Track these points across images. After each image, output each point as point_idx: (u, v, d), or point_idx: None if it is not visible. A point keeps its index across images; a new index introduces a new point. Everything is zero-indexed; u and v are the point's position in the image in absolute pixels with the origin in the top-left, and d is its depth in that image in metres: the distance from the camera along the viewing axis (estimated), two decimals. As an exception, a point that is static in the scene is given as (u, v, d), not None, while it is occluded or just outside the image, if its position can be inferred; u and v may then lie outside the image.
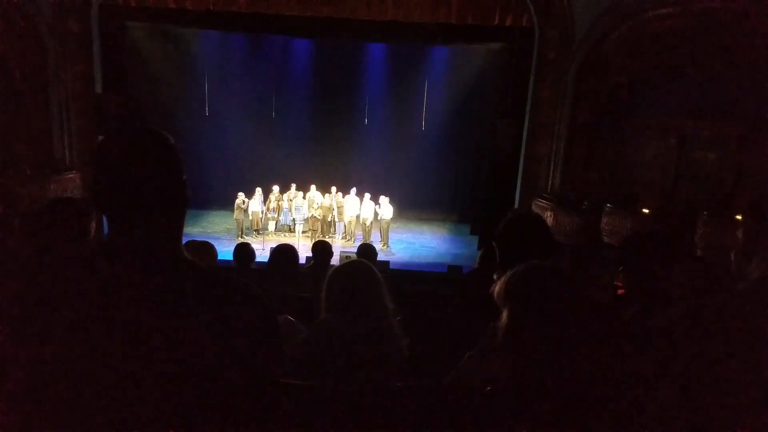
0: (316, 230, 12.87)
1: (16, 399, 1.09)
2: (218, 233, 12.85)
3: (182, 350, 1.11)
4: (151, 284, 1.15)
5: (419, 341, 2.42)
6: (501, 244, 2.41)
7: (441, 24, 10.94)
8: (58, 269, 1.20)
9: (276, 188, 13.20)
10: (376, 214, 12.85)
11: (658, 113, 10.22)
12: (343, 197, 13.19)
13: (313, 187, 13.37)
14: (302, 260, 6.04)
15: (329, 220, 13.18)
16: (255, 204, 12.88)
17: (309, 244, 10.75)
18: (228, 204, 13.67)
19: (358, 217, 13.03)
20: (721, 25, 8.92)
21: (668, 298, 2.13)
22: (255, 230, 13.00)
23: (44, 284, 1.16)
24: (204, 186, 13.16)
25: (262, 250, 10.56)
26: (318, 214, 12.82)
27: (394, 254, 12.00)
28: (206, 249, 4.09)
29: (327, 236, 12.49)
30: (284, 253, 4.55)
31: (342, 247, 11.65)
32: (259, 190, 13.05)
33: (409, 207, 15.34)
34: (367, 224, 12.89)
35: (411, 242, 13.59)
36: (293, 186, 13.39)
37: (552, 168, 11.20)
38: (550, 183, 11.25)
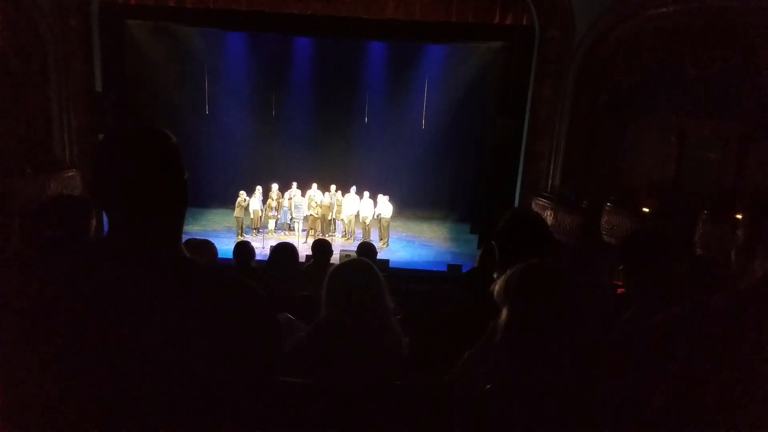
0: (314, 229, 12.87)
1: (16, 398, 1.09)
2: (218, 231, 12.85)
3: (182, 349, 1.11)
4: (150, 282, 1.15)
5: (419, 340, 2.42)
6: (500, 242, 2.41)
7: (441, 22, 10.93)
8: (58, 267, 1.20)
9: (276, 186, 13.19)
10: (376, 213, 12.85)
11: (659, 112, 10.21)
12: (343, 196, 13.19)
13: (314, 185, 13.37)
14: (302, 259, 6.04)
15: (329, 218, 13.18)
16: (255, 202, 12.88)
17: (309, 242, 10.76)
18: (228, 202, 13.67)
19: (357, 215, 13.04)
20: (722, 24, 8.92)
21: (668, 298, 2.13)
22: (255, 229, 12.99)
23: (44, 282, 1.16)
24: (204, 184, 13.16)
25: (262, 248, 10.57)
26: (316, 212, 12.82)
27: (393, 253, 12.00)
28: (206, 247, 4.09)
29: (327, 235, 12.49)
30: (284, 252, 4.55)
31: (342, 245, 11.65)
32: (259, 189, 13.04)
33: (409, 205, 15.33)
34: (367, 223, 12.89)
35: (411, 241, 13.60)
36: (294, 184, 13.40)
37: (552, 167, 11.20)
38: (550, 182, 11.24)
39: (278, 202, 13.07)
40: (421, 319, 2.89)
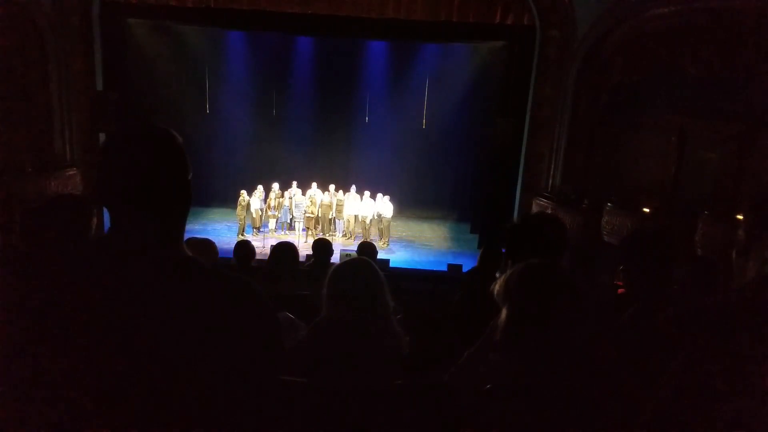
0: (310, 228, 12.88)
1: (16, 396, 1.09)
2: (218, 230, 12.86)
3: (183, 347, 1.11)
4: (151, 281, 1.15)
5: (419, 339, 2.43)
6: (514, 241, 2.40)
7: (442, 22, 10.93)
8: (59, 266, 1.21)
9: (276, 186, 13.20)
10: (376, 212, 12.85)
11: (659, 112, 10.20)
12: (343, 195, 13.19)
13: (314, 184, 13.37)
14: (302, 258, 6.04)
15: (329, 218, 13.19)
16: (256, 201, 12.89)
17: (309, 242, 10.76)
18: (228, 201, 13.68)
19: (357, 215, 13.04)
20: (723, 24, 8.91)
21: (668, 298, 2.13)
22: (255, 228, 13.00)
23: (45, 281, 1.16)
24: (204, 183, 13.16)
25: (263, 247, 10.57)
26: (310, 212, 12.82)
27: (394, 252, 12.00)
28: (207, 246, 4.11)
29: (327, 234, 12.49)
30: (284, 251, 4.55)
31: (342, 245, 11.65)
32: (260, 188, 13.05)
33: (410, 205, 15.33)
34: (367, 222, 12.89)
35: (411, 240, 13.60)
36: (294, 183, 13.40)
37: (552, 167, 11.19)
38: (550, 182, 11.24)
39: (279, 202, 13.07)
40: (421, 319, 2.89)
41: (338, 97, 15.07)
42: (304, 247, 9.25)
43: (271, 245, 4.87)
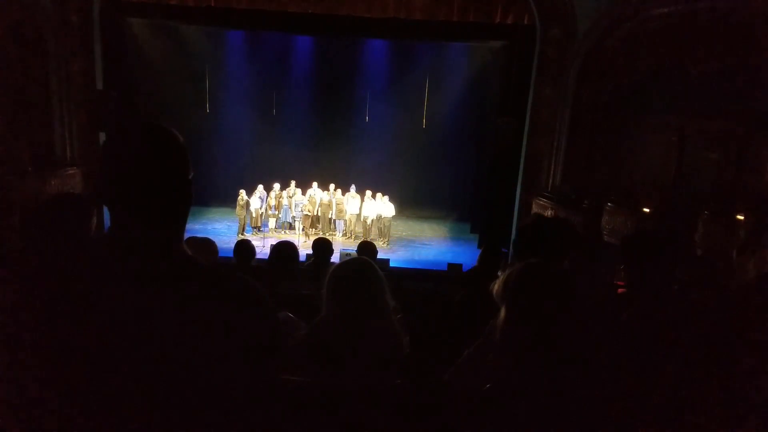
0: (307, 227, 12.88)
1: (15, 396, 1.09)
2: (218, 230, 12.87)
3: (182, 346, 1.11)
4: (152, 280, 1.15)
5: (419, 339, 2.43)
6: (524, 242, 2.41)
7: (442, 22, 10.93)
8: (59, 265, 1.20)
9: (276, 185, 13.21)
10: (376, 212, 12.86)
11: (660, 112, 10.20)
12: (343, 195, 13.20)
13: (314, 184, 13.38)
14: (302, 257, 6.04)
15: (329, 217, 13.19)
16: (256, 201, 12.90)
17: (310, 241, 10.76)
18: (228, 201, 13.68)
19: (358, 215, 13.04)
20: (723, 24, 8.91)
21: (669, 297, 2.13)
22: (255, 227, 13.01)
23: (45, 280, 1.16)
24: (204, 182, 13.15)
25: (263, 247, 10.57)
26: (307, 211, 12.82)
27: (394, 252, 12.00)
28: (207, 245, 4.11)
29: (327, 234, 12.50)
30: (284, 251, 4.55)
31: (342, 244, 11.65)
32: (260, 187, 13.07)
33: (410, 205, 15.34)
34: (368, 222, 12.89)
35: (411, 240, 13.60)
36: (293, 183, 13.41)
37: (553, 166, 11.19)
38: (550, 181, 11.24)
39: (279, 201, 13.08)
40: (421, 319, 2.89)
41: (338, 96, 15.07)
42: (305, 247, 9.25)
43: (271, 245, 4.86)
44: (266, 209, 12.99)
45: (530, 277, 1.74)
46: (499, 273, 2.45)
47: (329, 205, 13.07)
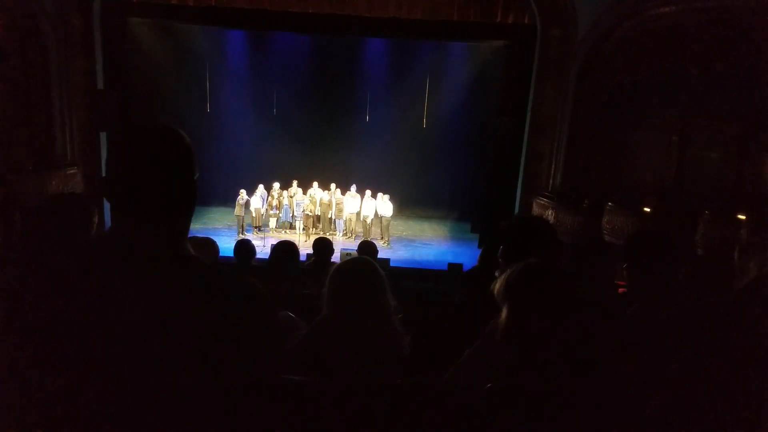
0: (308, 227, 12.88)
1: (15, 396, 1.09)
2: (219, 229, 12.87)
3: (183, 345, 1.11)
4: (153, 279, 1.15)
5: (420, 339, 2.43)
6: (506, 242, 2.42)
7: (443, 21, 10.93)
8: (60, 264, 1.20)
9: (276, 185, 13.22)
10: (376, 212, 12.86)
11: (660, 112, 10.20)
12: (344, 194, 13.20)
13: (315, 183, 13.38)
14: (303, 257, 6.05)
15: (329, 217, 13.20)
16: (256, 201, 12.90)
17: (310, 241, 10.76)
18: (229, 200, 13.67)
19: (358, 214, 13.04)
20: (723, 23, 8.90)
21: (669, 297, 2.13)
22: (256, 227, 13.01)
23: (46, 279, 1.16)
24: (205, 182, 13.05)
25: (263, 246, 10.57)
26: (309, 210, 12.83)
27: (394, 252, 12.00)
28: (207, 245, 4.11)
29: (327, 233, 12.50)
30: (285, 250, 4.55)
31: (342, 244, 11.65)
32: (261, 187, 13.07)
33: (410, 204, 15.34)
34: (368, 222, 12.90)
35: (411, 240, 13.60)
36: (294, 183, 13.41)
37: (553, 166, 11.18)
38: (551, 181, 11.23)
39: (279, 201, 13.08)
40: (421, 318, 2.89)
41: (339, 96, 15.06)
42: (305, 247, 9.25)
43: (272, 244, 4.87)
44: (267, 209, 12.99)
45: (533, 278, 1.74)
46: (496, 273, 2.45)
47: (329, 205, 13.07)
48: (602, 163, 10.97)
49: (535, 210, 10.93)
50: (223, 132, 14.85)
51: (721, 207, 8.56)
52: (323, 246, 5.14)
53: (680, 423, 1.33)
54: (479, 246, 12.03)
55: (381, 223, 12.88)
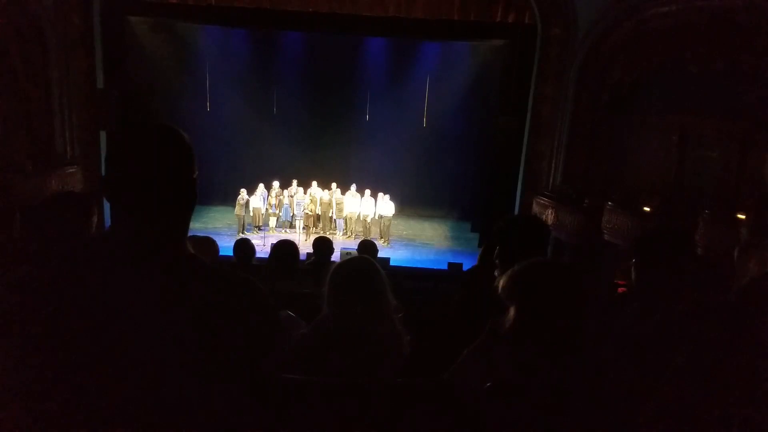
0: (309, 226, 12.88)
1: (14, 395, 1.09)
2: (219, 228, 12.87)
3: (183, 345, 1.11)
4: (152, 278, 1.15)
5: (420, 338, 2.42)
6: (501, 242, 2.43)
7: (443, 20, 10.93)
8: (60, 263, 1.20)
9: (277, 184, 13.22)
10: (376, 211, 12.86)
11: (660, 111, 10.20)
12: (344, 194, 13.20)
13: (314, 183, 13.38)
14: (303, 256, 6.04)
15: (329, 216, 13.20)
16: (256, 200, 12.90)
17: (310, 240, 10.75)
18: (228, 199, 13.67)
19: (358, 213, 13.05)
20: (724, 23, 8.90)
21: (670, 297, 2.12)
22: (256, 226, 13.01)
23: (45, 278, 1.16)
24: (205, 181, 12.99)
25: (263, 246, 10.57)
26: (309, 210, 12.83)
27: (394, 251, 12.00)
28: (208, 244, 4.11)
29: (327, 233, 12.51)
30: (285, 250, 4.55)
31: (342, 243, 11.65)
32: (261, 186, 13.07)
33: (410, 204, 15.34)
34: (368, 221, 12.89)
35: (411, 239, 13.60)
36: (294, 182, 13.41)
37: (553, 165, 11.19)
38: (551, 180, 11.23)
39: (279, 200, 13.09)
40: (422, 318, 2.89)
41: (339, 95, 15.06)
42: (305, 246, 9.25)
43: (272, 243, 4.86)
44: (267, 208, 13.00)
45: (543, 274, 1.74)
46: (495, 273, 2.45)
47: (329, 204, 13.08)
48: (602, 162, 10.97)
49: (535, 209, 10.93)
50: (223, 131, 14.85)
51: (721, 207, 8.55)
52: (323, 245, 5.13)
53: (680, 422, 1.33)
54: (479, 245, 12.03)
55: (381, 222, 12.88)
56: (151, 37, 12.57)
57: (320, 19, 10.96)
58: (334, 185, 13.32)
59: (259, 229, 12.94)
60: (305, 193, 13.16)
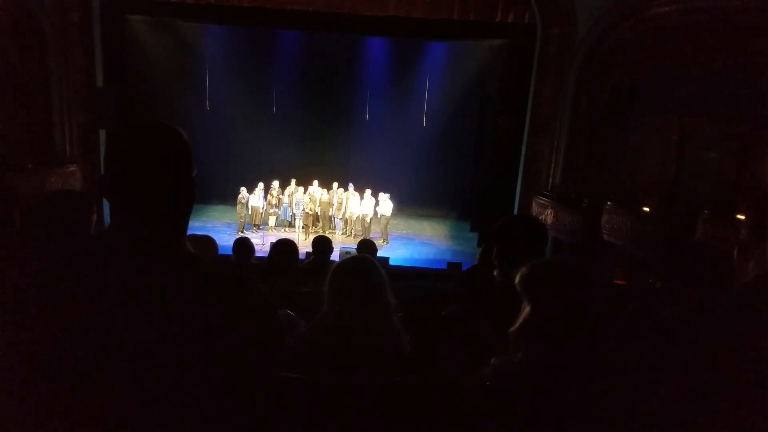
0: (308, 225, 12.88)
1: (16, 393, 1.09)
2: (218, 227, 12.87)
3: (182, 343, 1.11)
4: (152, 277, 1.15)
5: (419, 337, 2.42)
6: (500, 242, 2.43)
7: (443, 20, 10.92)
8: (59, 262, 1.20)
9: (276, 183, 13.21)
10: (375, 210, 12.86)
11: (660, 111, 10.19)
12: (343, 193, 13.20)
13: (315, 182, 13.38)
14: (302, 255, 6.04)
15: (329, 215, 13.20)
16: (256, 199, 12.90)
17: (309, 239, 10.76)
18: (228, 198, 13.68)
19: (358, 212, 13.05)
20: (724, 23, 8.90)
21: (671, 296, 2.12)
22: (255, 225, 13.01)
23: (45, 277, 1.16)
24: (204, 180, 13.03)
25: (262, 245, 10.57)
26: (309, 209, 12.83)
27: (393, 250, 12.00)
28: (207, 243, 4.11)
29: (327, 232, 12.51)
30: (284, 249, 4.55)
31: (342, 243, 11.65)
32: (260, 185, 13.07)
33: (409, 203, 15.34)
34: (367, 220, 12.89)
35: (411, 239, 13.60)
36: (293, 181, 13.41)
37: (553, 165, 11.18)
38: (550, 180, 11.23)
39: (279, 199, 13.09)
40: (421, 317, 2.89)
41: (339, 94, 15.07)
42: (304, 245, 9.25)
43: (271, 242, 4.86)
44: (267, 207, 13.00)
45: (558, 273, 1.74)
46: (495, 273, 2.45)
47: (329, 203, 13.08)
48: (602, 162, 10.96)
49: (535, 209, 10.92)
50: (222, 130, 14.86)
51: (721, 207, 8.55)
52: (322, 244, 5.14)
53: (680, 422, 1.33)
54: (478, 245, 12.04)
55: (381, 221, 12.88)
56: (150, 35, 12.56)
57: (320, 18, 10.95)
58: (335, 185, 13.32)
59: (258, 228, 12.95)
60: (305, 192, 13.17)
